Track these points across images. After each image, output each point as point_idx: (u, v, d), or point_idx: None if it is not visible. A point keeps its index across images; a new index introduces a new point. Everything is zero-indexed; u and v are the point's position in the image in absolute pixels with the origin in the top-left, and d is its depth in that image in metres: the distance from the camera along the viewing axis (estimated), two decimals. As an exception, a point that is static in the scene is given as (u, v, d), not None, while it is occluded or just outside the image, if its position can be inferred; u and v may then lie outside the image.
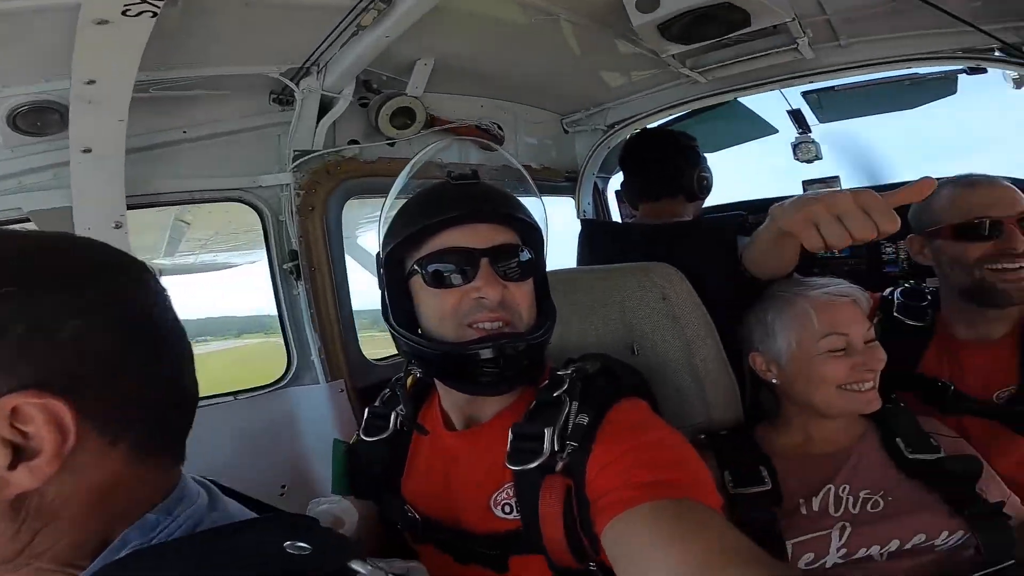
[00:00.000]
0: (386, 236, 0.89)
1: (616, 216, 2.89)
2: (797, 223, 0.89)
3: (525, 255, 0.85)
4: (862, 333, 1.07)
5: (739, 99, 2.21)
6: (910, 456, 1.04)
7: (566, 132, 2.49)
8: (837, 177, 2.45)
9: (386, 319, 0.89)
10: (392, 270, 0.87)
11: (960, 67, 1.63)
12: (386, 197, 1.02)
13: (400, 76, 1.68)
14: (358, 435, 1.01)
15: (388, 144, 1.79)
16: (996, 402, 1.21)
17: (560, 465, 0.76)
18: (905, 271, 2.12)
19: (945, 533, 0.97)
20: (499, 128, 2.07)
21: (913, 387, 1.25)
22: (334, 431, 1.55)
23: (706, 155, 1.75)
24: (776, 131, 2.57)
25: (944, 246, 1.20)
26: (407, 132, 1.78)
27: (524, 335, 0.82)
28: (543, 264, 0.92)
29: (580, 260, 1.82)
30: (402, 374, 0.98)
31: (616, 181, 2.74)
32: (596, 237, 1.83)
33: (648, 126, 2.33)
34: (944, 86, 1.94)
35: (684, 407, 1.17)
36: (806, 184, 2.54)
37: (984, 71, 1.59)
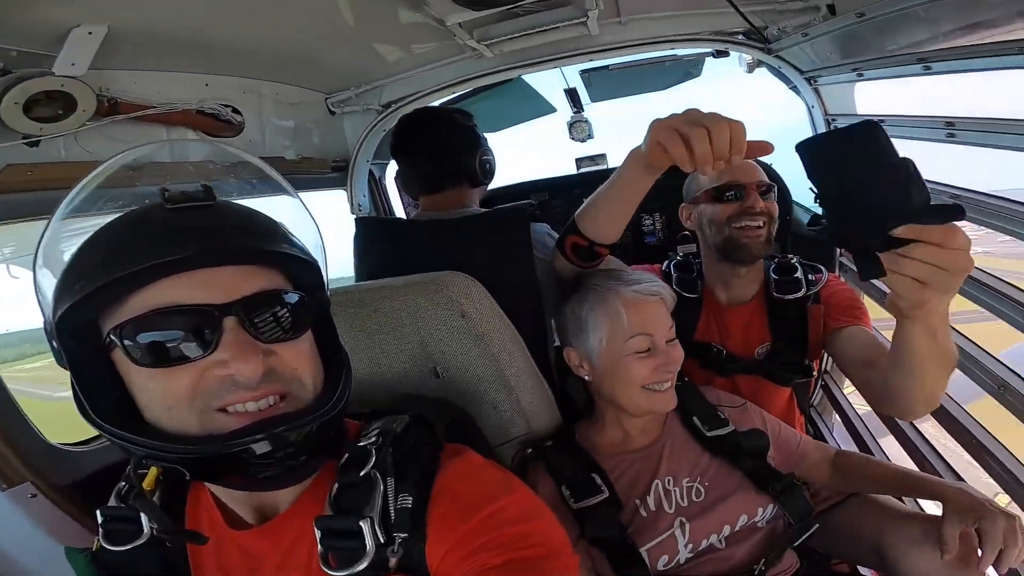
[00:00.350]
0: (59, 290, 0.59)
1: (399, 208, 2.60)
2: (664, 134, 0.86)
3: (293, 299, 0.63)
4: (665, 333, 1.10)
5: (522, 76, 2.08)
6: (709, 434, 1.12)
7: (332, 113, 2.07)
8: (604, 155, 2.60)
9: (84, 414, 0.61)
10: (76, 340, 0.59)
11: (709, 50, 1.78)
12: (49, 221, 0.65)
13: (49, 50, 1.09)
14: (99, 542, 0.72)
15: (28, 144, 1.11)
16: (757, 358, 1.40)
17: (394, 561, 0.63)
18: (662, 240, 2.39)
19: (761, 510, 1.06)
20: (235, 112, 1.50)
21: (693, 354, 1.38)
22: (52, 543, 1.13)
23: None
24: (555, 110, 2.57)
25: (705, 209, 1.38)
26: (65, 125, 1.14)
27: (310, 411, 0.61)
28: (325, 302, 0.70)
29: (358, 269, 1.51)
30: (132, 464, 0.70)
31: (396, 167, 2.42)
32: (375, 239, 1.52)
33: (428, 105, 2.05)
34: (691, 68, 2.14)
35: (503, 423, 1.12)
36: (579, 162, 2.65)
37: (727, 54, 1.77)
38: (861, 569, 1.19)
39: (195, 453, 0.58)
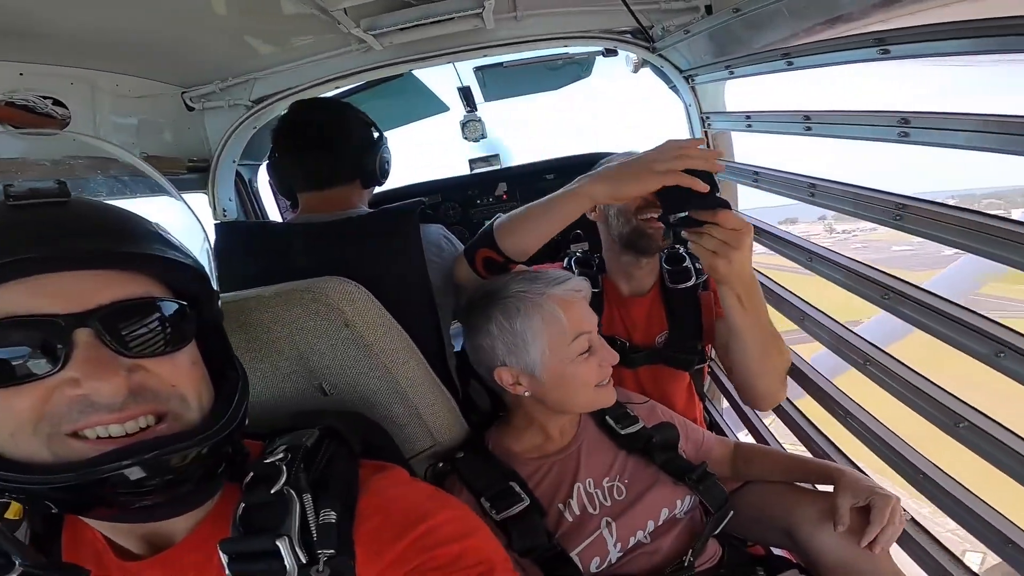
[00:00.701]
0: None
1: (275, 215, 2.38)
2: (648, 179, 0.99)
3: (170, 308, 0.58)
4: (596, 327, 1.09)
5: (413, 72, 1.99)
6: (623, 432, 1.14)
7: (191, 109, 1.83)
8: (497, 155, 2.60)
9: None
10: None
11: (599, 48, 1.84)
12: None
13: None
14: None
15: None
16: (657, 346, 1.48)
17: None
18: (556, 239, 2.44)
19: (679, 501, 1.09)
20: (58, 104, 1.22)
21: None
22: None
23: None
24: (447, 108, 2.51)
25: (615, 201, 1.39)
26: None
27: (197, 431, 0.57)
28: (213, 310, 0.65)
29: (220, 282, 1.30)
30: None
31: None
32: (240, 246, 1.33)
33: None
34: (581, 70, 2.21)
35: (406, 437, 1.07)
36: (473, 163, 2.62)
37: (616, 53, 1.84)
38: (775, 550, 1.24)
39: (46, 483, 0.51)
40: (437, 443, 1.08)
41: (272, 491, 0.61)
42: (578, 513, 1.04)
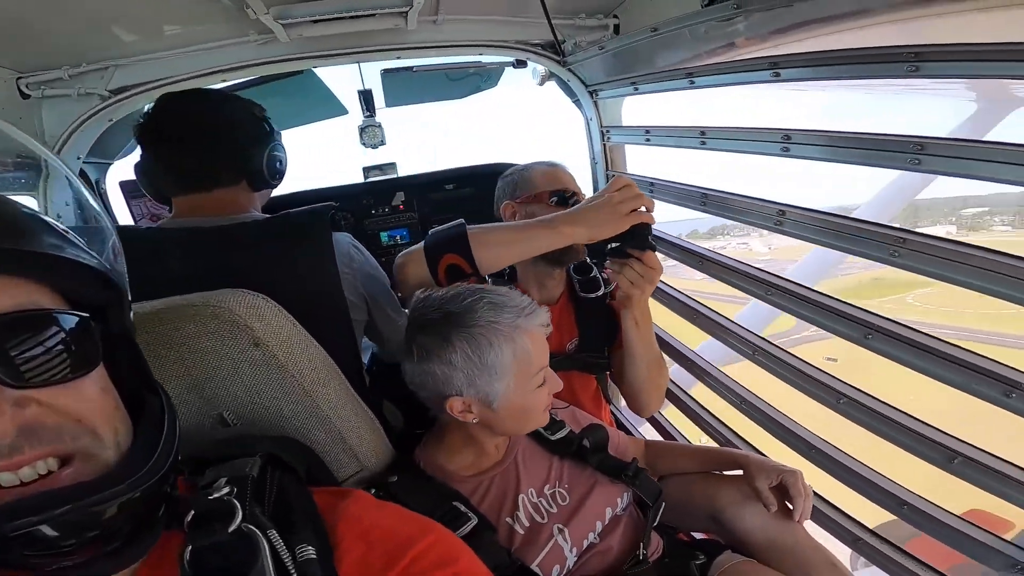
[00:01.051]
0: None
1: (126, 219, 2.09)
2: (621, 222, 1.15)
3: (70, 323, 0.48)
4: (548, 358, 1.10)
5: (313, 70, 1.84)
6: (553, 438, 1.17)
7: (25, 97, 1.52)
8: (394, 163, 2.52)
9: None
10: None
11: (511, 59, 1.88)
12: None
13: None
14: None
15: None
16: (568, 352, 1.54)
17: None
18: None
19: (619, 499, 1.15)
20: None
21: None
22: None
23: None
24: (347, 112, 2.36)
25: (537, 209, 1.42)
26: None
27: (119, 476, 0.48)
28: (124, 324, 0.55)
29: None
30: None
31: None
32: None
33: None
34: (482, 82, 2.23)
35: (329, 464, 0.98)
36: (367, 171, 2.51)
37: (526, 64, 1.90)
38: (696, 535, 1.33)
39: None
40: (364, 468, 1.01)
41: (230, 529, 0.54)
42: (528, 524, 1.04)
